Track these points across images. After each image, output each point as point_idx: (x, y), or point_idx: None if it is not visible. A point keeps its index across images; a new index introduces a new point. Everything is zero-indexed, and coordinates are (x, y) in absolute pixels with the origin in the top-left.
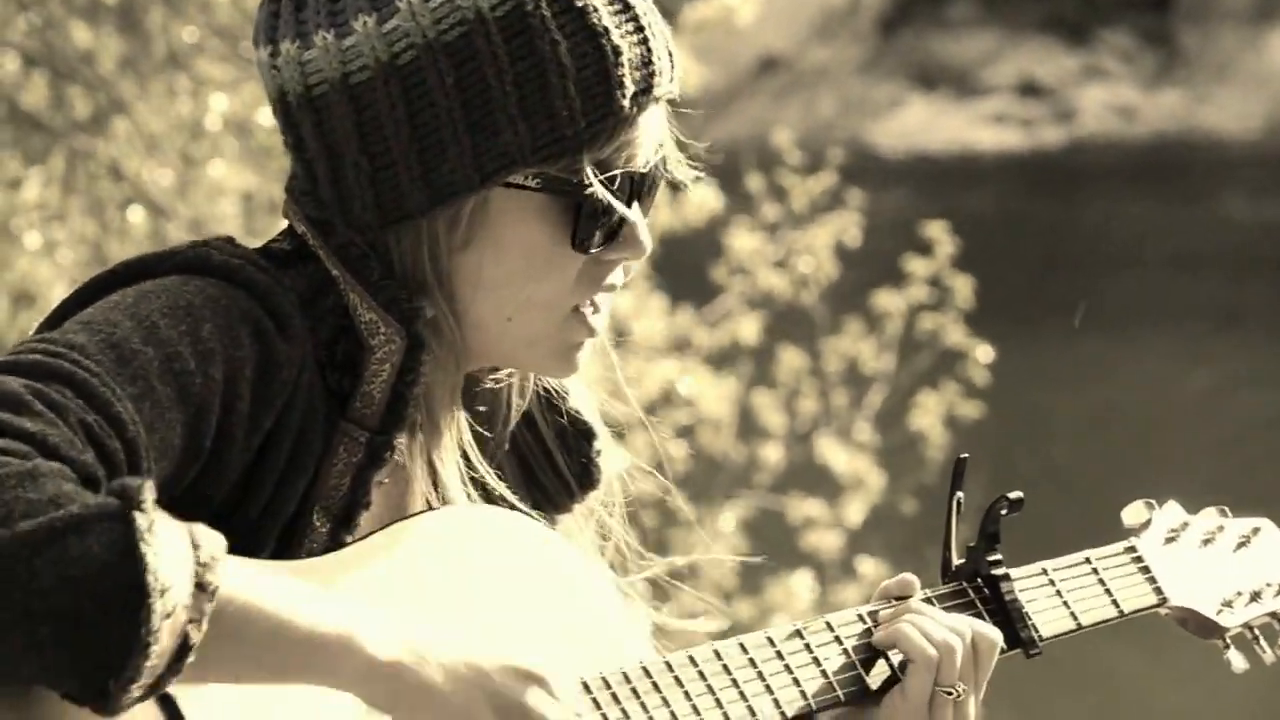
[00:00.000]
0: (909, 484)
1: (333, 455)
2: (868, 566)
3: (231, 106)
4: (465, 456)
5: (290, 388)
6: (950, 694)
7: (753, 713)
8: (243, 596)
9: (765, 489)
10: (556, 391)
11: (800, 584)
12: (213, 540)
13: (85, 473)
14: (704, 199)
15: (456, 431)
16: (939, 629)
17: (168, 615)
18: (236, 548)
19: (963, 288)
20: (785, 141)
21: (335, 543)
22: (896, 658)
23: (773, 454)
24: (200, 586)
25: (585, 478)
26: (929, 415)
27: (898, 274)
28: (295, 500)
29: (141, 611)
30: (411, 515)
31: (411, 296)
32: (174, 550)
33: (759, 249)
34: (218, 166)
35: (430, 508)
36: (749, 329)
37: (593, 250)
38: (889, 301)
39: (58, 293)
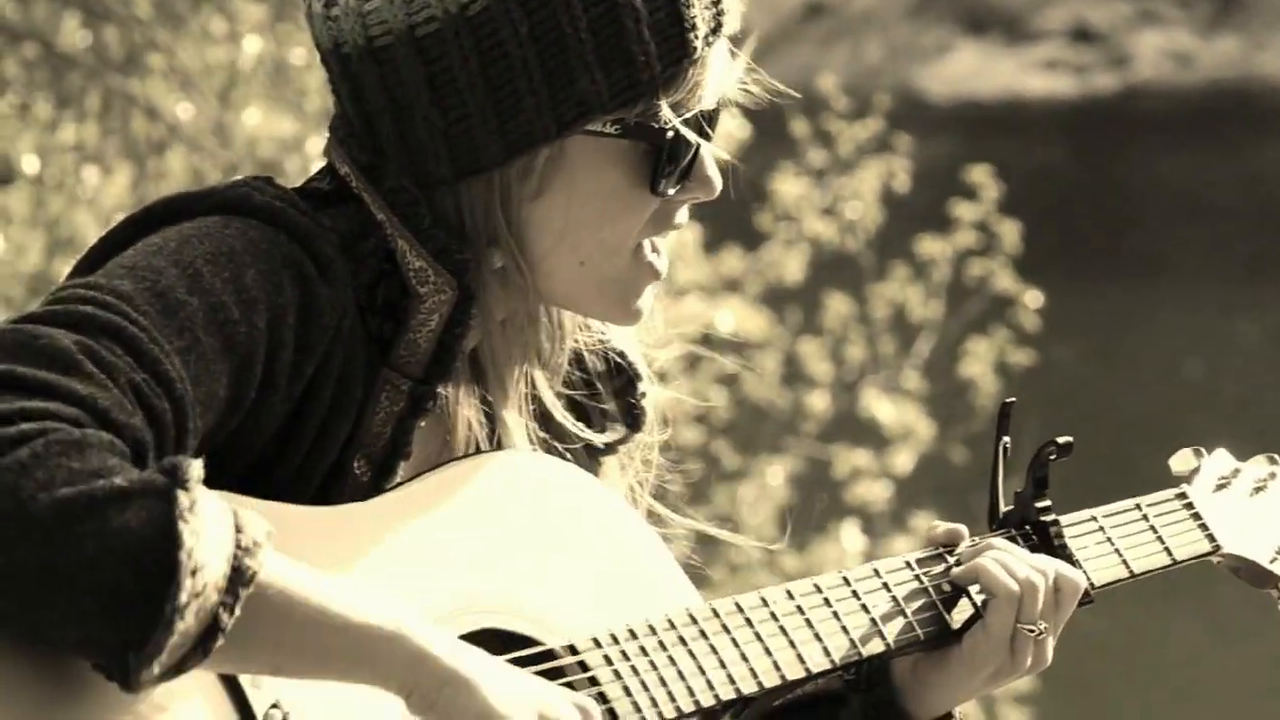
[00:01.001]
0: (959, 433)
1: (374, 403)
2: (919, 520)
3: (267, 48)
4: (539, 409)
5: (332, 333)
6: (1033, 631)
7: (828, 654)
8: (284, 584)
9: (812, 438)
10: (599, 334)
11: (848, 536)
12: (257, 526)
13: (135, 438)
14: (730, 129)
15: (526, 382)
16: (1022, 566)
17: (197, 595)
18: (278, 494)
19: (1010, 233)
20: (831, 87)
21: (376, 490)
22: (978, 596)
23: (819, 403)
24: (237, 570)
25: (630, 421)
26: (979, 362)
27: (945, 221)
28: (337, 447)
29: (169, 588)
30: (452, 461)
31: (462, 246)
32: (214, 532)
33: (805, 195)
34: (253, 114)
35: (469, 455)
36: (794, 275)
37: (670, 192)
38: (936, 247)
39: (95, 235)
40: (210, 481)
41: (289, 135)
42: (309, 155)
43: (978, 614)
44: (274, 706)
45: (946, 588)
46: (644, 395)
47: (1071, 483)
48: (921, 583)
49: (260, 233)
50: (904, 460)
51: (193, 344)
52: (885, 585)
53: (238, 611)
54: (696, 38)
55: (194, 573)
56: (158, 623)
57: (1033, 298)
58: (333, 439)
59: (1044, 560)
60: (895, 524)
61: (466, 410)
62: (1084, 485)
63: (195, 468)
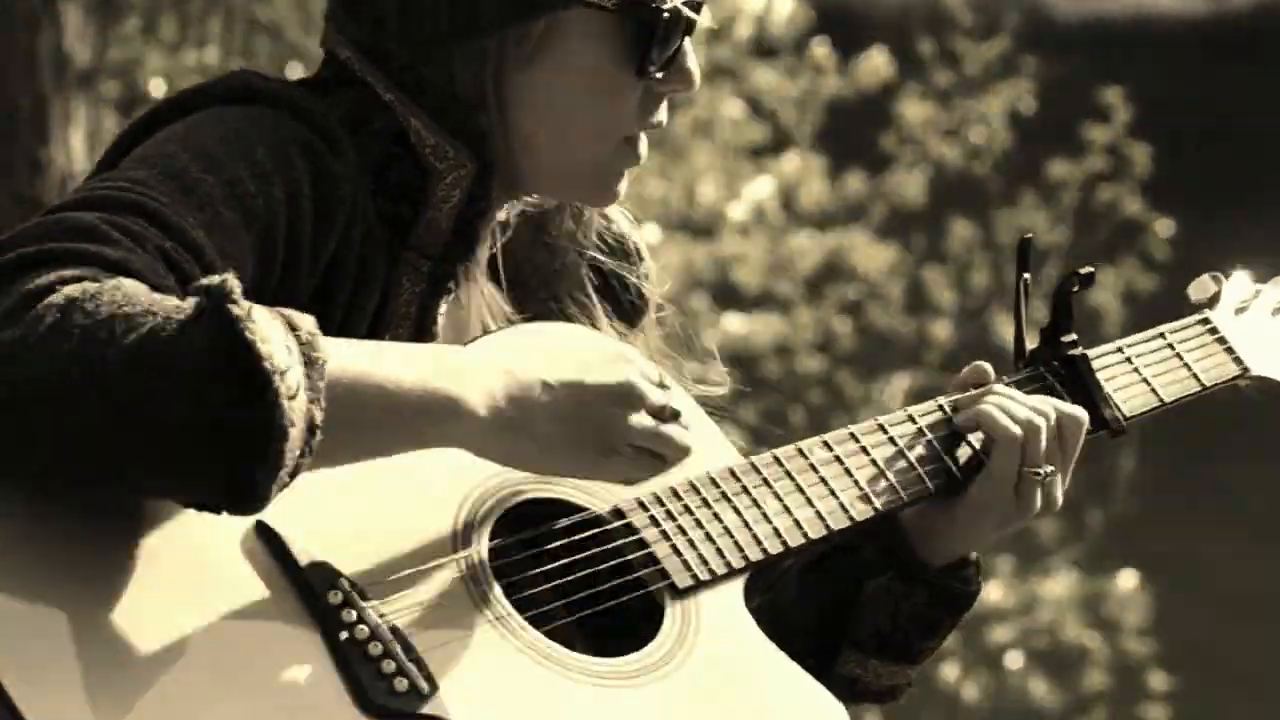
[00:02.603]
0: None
1: (398, 285)
2: None
3: None
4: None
5: (349, 205)
6: (1038, 475)
7: (844, 508)
8: (350, 370)
9: (935, 368)
10: (599, 217)
11: None
12: (304, 320)
13: (175, 294)
14: (876, 64)
15: (489, 258)
16: (1022, 408)
17: (292, 396)
18: None
19: (1140, 157)
20: (958, 5)
21: None
22: (980, 442)
23: (942, 331)
24: (309, 363)
25: (639, 301)
26: (1105, 290)
27: (1073, 143)
28: (364, 324)
29: (268, 395)
30: (483, 335)
31: (475, 118)
32: (276, 334)
33: (930, 117)
34: None
35: (488, 331)
36: (917, 200)
37: (655, 76)
38: (1064, 171)
39: None
40: None
41: None
42: None
43: (981, 460)
44: (315, 564)
45: (950, 439)
46: (646, 275)
47: (1203, 421)
48: (925, 434)
49: (263, 114)
50: None
51: (214, 218)
52: (920, 430)
53: (324, 404)
54: None
55: (282, 375)
56: (273, 432)
57: (1163, 225)
58: (360, 315)
59: (1044, 401)
60: None
61: (482, 291)
62: (1216, 420)
63: (230, 279)
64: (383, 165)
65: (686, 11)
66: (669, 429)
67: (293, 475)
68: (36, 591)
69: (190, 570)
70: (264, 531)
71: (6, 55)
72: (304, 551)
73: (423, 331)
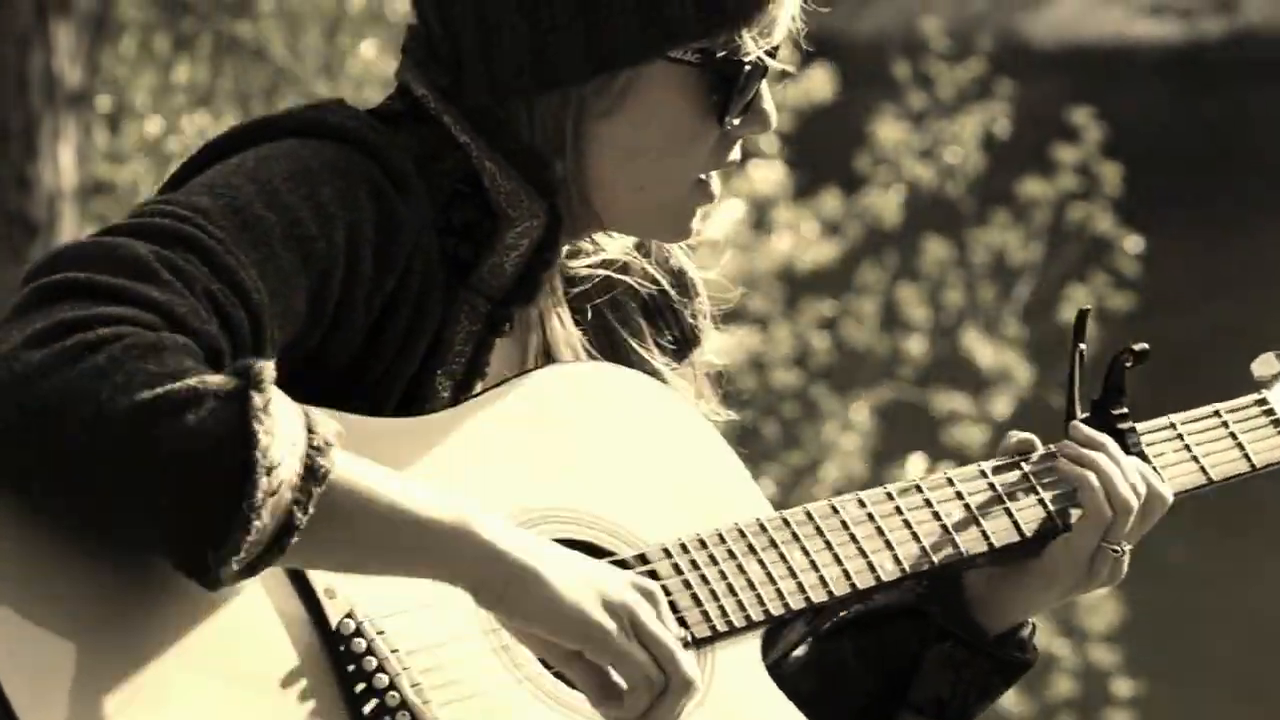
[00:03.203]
0: (1058, 377)
1: (454, 322)
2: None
3: None
4: (600, 323)
5: (410, 248)
6: (1116, 551)
7: (899, 561)
8: (355, 483)
9: (909, 382)
10: (659, 250)
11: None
12: (328, 426)
13: (210, 345)
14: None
15: (559, 295)
16: (1123, 485)
17: (272, 493)
18: (359, 410)
19: (1112, 176)
20: (934, 29)
21: (455, 406)
22: (1056, 505)
23: (916, 347)
24: (310, 469)
25: (691, 335)
26: (1078, 307)
27: (1046, 165)
28: (415, 363)
29: (246, 486)
30: (525, 372)
31: (549, 167)
32: (287, 431)
33: (904, 139)
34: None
35: (542, 366)
36: (892, 219)
37: (734, 124)
38: (1036, 190)
39: None
40: (292, 398)
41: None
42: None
43: (1055, 525)
44: (348, 616)
45: (1021, 496)
46: (701, 311)
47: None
48: (995, 490)
49: (335, 151)
50: (1002, 405)
51: (269, 257)
52: (959, 494)
53: (311, 509)
54: None
55: (269, 471)
56: (235, 521)
57: (1133, 243)
58: (412, 354)
59: (1139, 477)
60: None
61: (538, 322)
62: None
63: (268, 369)
64: (449, 204)
65: (767, 61)
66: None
67: (256, 568)
68: (48, 602)
69: (205, 592)
70: (301, 582)
71: None
72: (328, 590)
73: (476, 370)
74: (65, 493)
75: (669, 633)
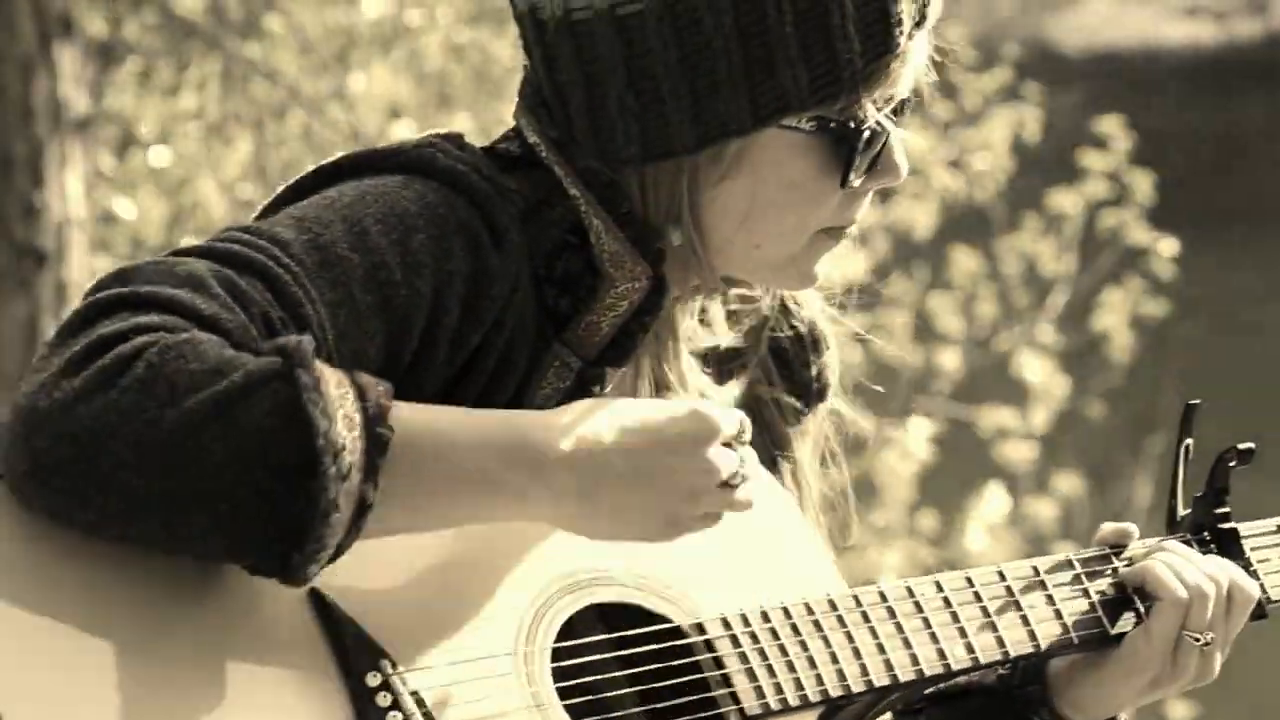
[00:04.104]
0: (1095, 387)
1: (540, 376)
2: (1061, 480)
3: (383, 12)
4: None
5: (501, 303)
6: (1198, 640)
7: (971, 651)
8: (418, 441)
9: (945, 396)
10: (792, 300)
11: (995, 496)
12: (379, 388)
13: (251, 351)
14: None
15: (685, 357)
16: (1193, 570)
17: (344, 477)
18: None
19: (1143, 183)
20: (958, 38)
21: None
22: (1140, 597)
23: (950, 360)
24: (372, 440)
25: (818, 389)
26: (1113, 314)
27: (1076, 172)
28: None
29: (317, 479)
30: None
31: (659, 231)
32: (341, 405)
33: (931, 148)
34: (360, 81)
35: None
36: (923, 230)
37: (857, 184)
38: (1066, 199)
39: (216, 203)
40: None
41: (404, 99)
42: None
43: (1140, 617)
44: (375, 667)
45: (1109, 590)
46: (829, 365)
47: (1211, 436)
48: (1081, 582)
49: (438, 196)
50: (1041, 418)
51: (345, 299)
52: (1042, 583)
53: (380, 484)
54: (901, 33)
55: (335, 455)
56: (314, 516)
57: (1167, 246)
58: (489, 408)
59: (1218, 565)
60: (1039, 485)
61: (633, 386)
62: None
63: (307, 342)
64: (554, 254)
65: (889, 127)
66: (734, 496)
67: (336, 555)
68: (58, 624)
69: (229, 621)
70: (315, 596)
71: (1, 101)
72: (351, 623)
73: None
74: (123, 518)
75: (717, 493)
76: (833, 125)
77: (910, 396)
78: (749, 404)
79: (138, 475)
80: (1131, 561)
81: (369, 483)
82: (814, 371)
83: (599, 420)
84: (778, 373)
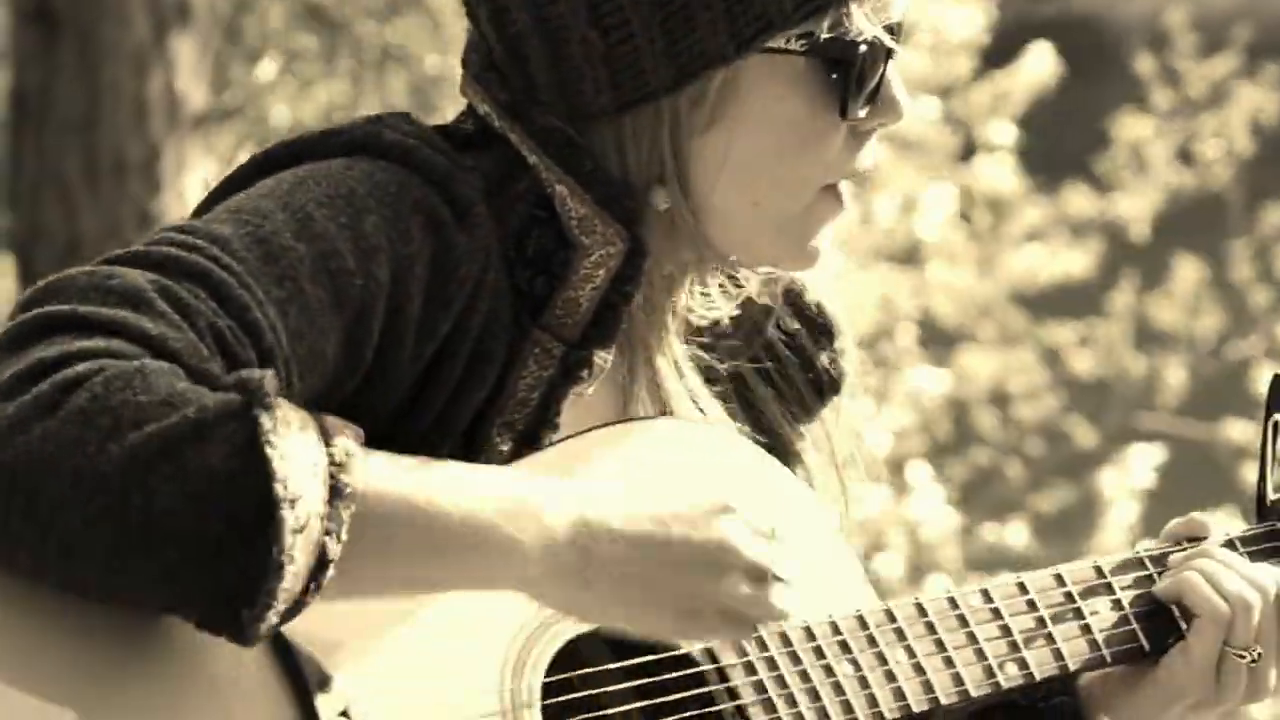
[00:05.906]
0: None
1: (520, 366)
2: None
3: None
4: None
5: (471, 286)
6: (1243, 657)
7: (990, 673)
8: (386, 494)
9: (1169, 411)
10: (796, 285)
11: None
12: (345, 431)
13: (208, 384)
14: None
15: (677, 342)
16: (1234, 579)
17: (300, 529)
18: None
19: None
20: (1178, 23)
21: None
22: (1180, 612)
23: (1175, 372)
24: (335, 491)
25: (829, 380)
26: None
27: None
28: (469, 414)
29: (271, 529)
30: (601, 426)
31: (631, 192)
32: (304, 451)
33: (1151, 138)
34: None
35: (619, 421)
36: (1142, 228)
37: (859, 115)
38: None
39: None
40: None
41: None
42: None
43: (1180, 635)
44: (342, 714)
45: (1144, 602)
46: (843, 352)
47: None
48: (1113, 592)
49: (388, 174)
50: None
51: (294, 294)
52: (1069, 595)
53: (344, 536)
54: None
55: (293, 504)
56: (267, 569)
57: None
58: (465, 405)
59: (1263, 571)
60: None
61: (629, 371)
62: None
63: (269, 379)
64: (523, 231)
65: (887, 41)
66: (765, 594)
67: (294, 612)
68: (33, 666)
69: (187, 670)
70: (280, 644)
71: (112, 100)
72: (318, 672)
73: (544, 422)
74: (60, 562)
75: (746, 586)
76: (825, 42)
77: (1130, 413)
78: (748, 405)
79: (77, 516)
80: (1165, 571)
81: (331, 535)
82: (825, 360)
83: (605, 474)
84: (789, 363)
